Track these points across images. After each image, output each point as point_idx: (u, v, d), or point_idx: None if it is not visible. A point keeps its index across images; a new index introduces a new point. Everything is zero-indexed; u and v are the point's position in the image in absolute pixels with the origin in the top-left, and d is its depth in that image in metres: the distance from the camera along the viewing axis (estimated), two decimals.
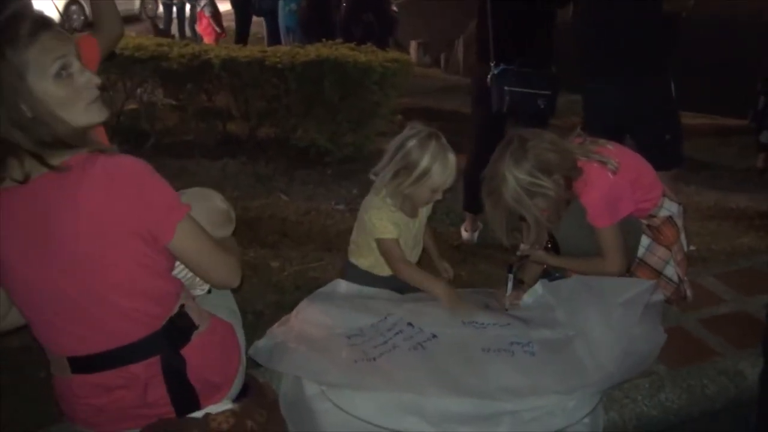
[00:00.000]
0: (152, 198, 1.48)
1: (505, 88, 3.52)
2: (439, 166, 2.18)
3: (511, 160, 2.14)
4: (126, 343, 1.52)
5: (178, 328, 1.60)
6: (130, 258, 1.49)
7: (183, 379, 1.58)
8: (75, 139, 1.41)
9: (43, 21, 1.40)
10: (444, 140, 2.24)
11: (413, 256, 2.44)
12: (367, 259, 2.41)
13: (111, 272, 1.47)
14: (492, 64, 3.55)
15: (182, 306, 1.63)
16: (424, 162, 2.17)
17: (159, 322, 1.57)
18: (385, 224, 2.27)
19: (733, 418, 2.11)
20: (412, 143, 2.20)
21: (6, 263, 1.45)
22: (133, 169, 1.45)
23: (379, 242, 2.30)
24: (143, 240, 1.47)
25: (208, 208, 1.80)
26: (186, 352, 1.59)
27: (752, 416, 1.83)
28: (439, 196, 2.27)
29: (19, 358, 2.32)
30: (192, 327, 1.63)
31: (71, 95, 1.42)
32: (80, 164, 1.40)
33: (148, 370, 1.54)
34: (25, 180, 1.39)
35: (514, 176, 2.13)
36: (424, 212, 2.44)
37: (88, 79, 1.44)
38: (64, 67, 1.40)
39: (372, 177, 2.33)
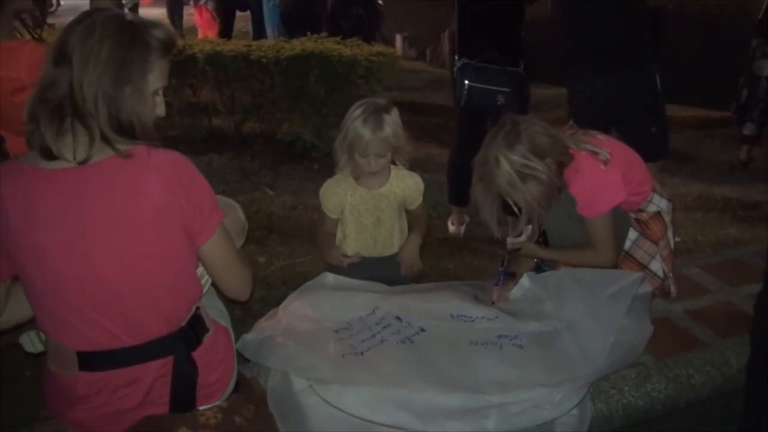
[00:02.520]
0: (201, 196, 1.52)
1: (465, 82, 3.54)
2: (359, 125, 2.21)
3: (504, 142, 2.14)
4: (146, 341, 1.51)
5: (194, 331, 1.61)
6: (178, 253, 1.51)
7: (190, 383, 1.57)
8: (143, 133, 1.46)
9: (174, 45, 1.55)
10: (383, 113, 2.23)
11: (376, 232, 2.41)
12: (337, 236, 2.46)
13: (162, 265, 1.49)
14: (456, 58, 3.58)
15: (197, 309, 1.64)
16: (348, 123, 2.24)
17: (179, 322, 1.57)
18: (325, 192, 2.38)
19: (718, 407, 2.13)
20: (353, 107, 2.28)
21: (42, 249, 1.41)
22: (186, 164, 1.51)
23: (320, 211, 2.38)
24: (187, 236, 1.50)
25: (230, 218, 1.80)
26: (196, 355, 1.59)
27: (738, 405, 1.85)
28: (370, 165, 2.26)
29: (1, 358, 2.29)
30: (204, 331, 1.64)
31: (151, 113, 1.51)
32: (141, 154, 1.44)
33: (159, 370, 1.54)
34: (84, 161, 1.40)
35: (507, 158, 2.12)
36: (396, 192, 2.39)
37: (161, 111, 1.55)
38: (160, 91, 1.53)
39: None
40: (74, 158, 1.39)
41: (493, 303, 2.31)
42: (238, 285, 1.68)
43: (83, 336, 1.48)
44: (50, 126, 1.38)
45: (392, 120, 2.24)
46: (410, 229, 2.50)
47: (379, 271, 2.41)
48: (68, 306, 1.46)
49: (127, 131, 1.43)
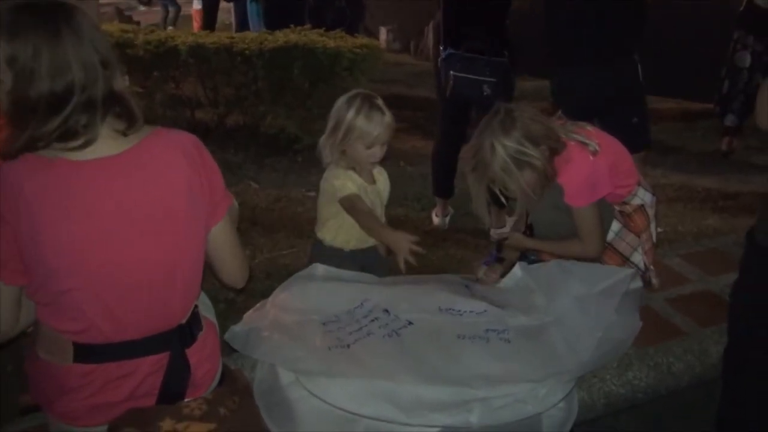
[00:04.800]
0: (216, 178, 1.54)
1: (451, 72, 3.54)
2: (363, 120, 2.24)
3: (499, 129, 2.14)
4: (146, 335, 1.50)
5: (190, 329, 1.59)
6: (201, 238, 1.52)
7: (183, 380, 1.55)
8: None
9: None
10: (376, 99, 2.29)
11: None
12: (329, 229, 2.44)
13: (189, 250, 1.49)
14: (441, 48, 3.59)
15: (196, 306, 1.63)
16: (349, 117, 2.25)
17: (180, 318, 1.56)
18: (343, 182, 2.32)
19: (699, 395, 2.16)
20: (340, 102, 2.31)
21: (76, 241, 1.37)
22: (202, 145, 1.52)
23: (343, 201, 2.32)
24: (207, 217, 1.51)
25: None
26: (188, 352, 1.58)
27: (718, 393, 1.87)
28: (376, 155, 2.31)
29: None
30: (199, 328, 1.63)
31: None
32: (163, 135, 1.46)
33: (153, 366, 1.52)
34: (114, 150, 1.40)
35: (503, 145, 2.11)
36: (384, 185, 2.46)
37: None
38: None
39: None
40: (104, 146, 1.39)
41: (477, 279, 2.31)
42: (236, 272, 1.68)
43: (91, 326, 1.44)
44: (79, 118, 1.35)
45: (383, 103, 2.29)
46: None
47: (367, 261, 2.44)
48: (90, 298, 1.42)
49: (136, 116, 1.43)
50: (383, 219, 2.45)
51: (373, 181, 2.42)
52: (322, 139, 2.35)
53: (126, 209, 1.40)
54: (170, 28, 9.21)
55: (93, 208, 1.38)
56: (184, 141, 1.49)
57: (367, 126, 2.24)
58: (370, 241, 2.45)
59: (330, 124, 2.32)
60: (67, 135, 1.35)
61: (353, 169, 2.35)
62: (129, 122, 1.41)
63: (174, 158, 1.45)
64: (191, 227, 1.49)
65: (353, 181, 2.33)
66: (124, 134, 1.41)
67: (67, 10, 1.37)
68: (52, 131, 1.34)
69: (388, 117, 2.28)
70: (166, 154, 1.45)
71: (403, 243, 2.17)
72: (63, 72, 1.33)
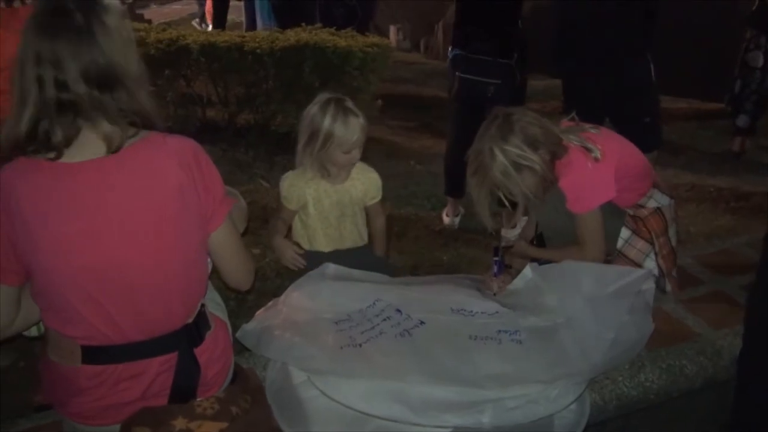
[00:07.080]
0: (214, 182, 1.53)
1: (457, 73, 3.54)
2: (341, 126, 2.25)
3: (498, 134, 2.15)
4: (152, 336, 1.51)
5: (197, 328, 1.60)
6: (195, 241, 1.52)
7: (192, 379, 1.57)
8: (153, 118, 1.48)
9: None
10: (347, 103, 2.29)
11: (340, 226, 2.46)
12: (297, 230, 2.49)
13: (181, 253, 1.50)
14: (449, 48, 3.60)
15: (203, 305, 1.63)
16: (326, 125, 2.25)
17: (185, 319, 1.57)
18: (286, 191, 2.39)
19: (711, 396, 2.14)
20: (313, 110, 2.30)
21: (64, 243, 1.38)
22: (200, 150, 1.52)
23: (279, 203, 2.41)
24: (201, 223, 1.51)
25: (234, 205, 1.80)
26: (197, 352, 1.59)
27: (729, 395, 1.86)
28: (354, 158, 2.33)
29: None
30: (207, 327, 1.64)
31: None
32: (157, 139, 1.46)
33: (162, 365, 1.53)
34: (105, 152, 1.40)
35: (501, 149, 2.12)
36: (360, 184, 2.43)
37: None
38: None
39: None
40: (95, 150, 1.39)
41: (495, 294, 2.30)
42: (244, 274, 1.70)
43: (93, 331, 1.46)
44: (66, 121, 1.36)
45: (353, 105, 2.30)
46: (371, 236, 2.55)
47: (355, 260, 2.43)
48: (85, 300, 1.43)
49: (141, 118, 1.43)
50: (350, 221, 2.46)
51: (344, 180, 2.40)
52: (299, 150, 2.35)
53: (112, 212, 1.40)
54: (206, 26, 9.21)
55: (78, 209, 1.39)
56: (180, 147, 1.48)
57: (345, 133, 2.24)
58: (353, 242, 2.48)
59: (305, 133, 2.31)
60: (41, 145, 1.36)
61: (325, 171, 2.35)
62: (114, 144, 1.41)
63: (164, 163, 1.44)
64: (182, 231, 1.48)
65: (304, 184, 2.36)
66: (109, 150, 1.40)
67: (62, 26, 1.36)
68: (22, 135, 1.35)
69: (362, 119, 2.28)
70: (154, 159, 1.44)
71: (287, 251, 2.39)
72: (25, 68, 1.34)
